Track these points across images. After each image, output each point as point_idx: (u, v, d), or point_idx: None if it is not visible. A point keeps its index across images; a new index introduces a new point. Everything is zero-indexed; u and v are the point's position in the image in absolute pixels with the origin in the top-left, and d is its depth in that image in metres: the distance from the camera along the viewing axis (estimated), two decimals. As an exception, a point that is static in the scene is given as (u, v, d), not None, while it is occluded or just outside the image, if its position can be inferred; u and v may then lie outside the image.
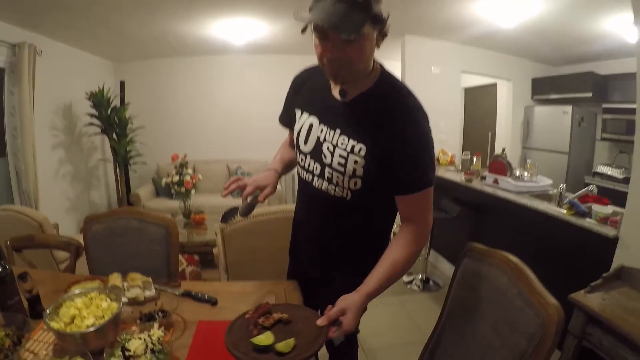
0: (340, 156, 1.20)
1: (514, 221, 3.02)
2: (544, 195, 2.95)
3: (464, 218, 3.52)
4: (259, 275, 1.60)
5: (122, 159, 5.55)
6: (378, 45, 1.13)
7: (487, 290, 1.25)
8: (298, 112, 1.36)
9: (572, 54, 5.13)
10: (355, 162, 1.18)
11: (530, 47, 4.87)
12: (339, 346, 1.14)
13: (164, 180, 4.19)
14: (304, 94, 1.37)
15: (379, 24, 1.06)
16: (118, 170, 5.65)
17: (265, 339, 1.05)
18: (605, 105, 4.93)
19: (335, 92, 1.23)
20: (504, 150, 3.63)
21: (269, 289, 1.59)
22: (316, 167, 1.29)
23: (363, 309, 1.16)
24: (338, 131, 1.21)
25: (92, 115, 5.18)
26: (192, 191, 4.11)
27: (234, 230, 2.32)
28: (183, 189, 4.03)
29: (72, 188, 5.19)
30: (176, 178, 4.02)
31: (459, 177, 3.71)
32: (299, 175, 1.42)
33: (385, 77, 1.22)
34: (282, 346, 1.02)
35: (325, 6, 0.98)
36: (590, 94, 4.96)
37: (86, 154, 5.59)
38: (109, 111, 5.25)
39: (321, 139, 1.25)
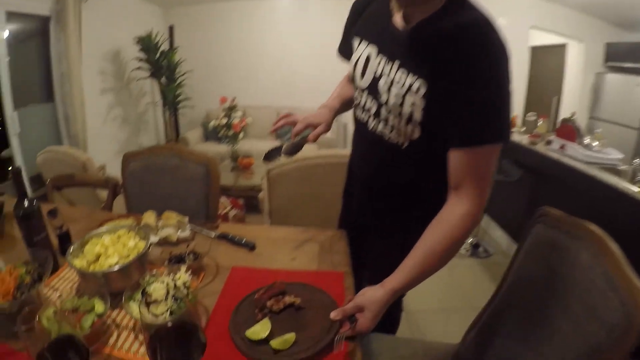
0: (397, 95, 1.01)
1: (580, 193, 2.69)
2: (613, 170, 2.60)
3: (523, 183, 3.22)
4: (304, 222, 1.45)
5: (170, 103, 5.55)
6: None
7: (563, 265, 1.00)
8: (356, 41, 1.17)
9: None
10: (413, 103, 0.98)
11: (605, 5, 4.36)
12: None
13: (212, 123, 4.09)
14: (364, 19, 1.18)
15: None
16: (167, 114, 5.67)
17: (260, 329, 0.91)
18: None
19: (398, 18, 1.03)
20: (574, 114, 3.23)
21: (313, 236, 1.44)
22: (373, 106, 1.11)
23: (386, 306, 0.96)
24: (397, 63, 1.01)
25: (140, 59, 5.15)
26: (241, 134, 3.99)
27: (280, 173, 2.19)
28: (231, 132, 3.92)
29: (122, 131, 5.23)
30: (224, 120, 3.90)
31: (521, 139, 3.39)
32: (354, 114, 1.26)
33: (455, 2, 0.96)
34: (277, 343, 0.88)
35: None
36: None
37: (135, 98, 5.59)
38: (158, 55, 5.20)
39: (378, 73, 1.06)
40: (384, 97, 1.05)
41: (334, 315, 0.94)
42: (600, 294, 0.86)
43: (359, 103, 1.18)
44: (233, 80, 6.25)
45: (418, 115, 0.99)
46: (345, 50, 1.26)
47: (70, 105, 4.02)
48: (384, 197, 1.25)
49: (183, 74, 5.61)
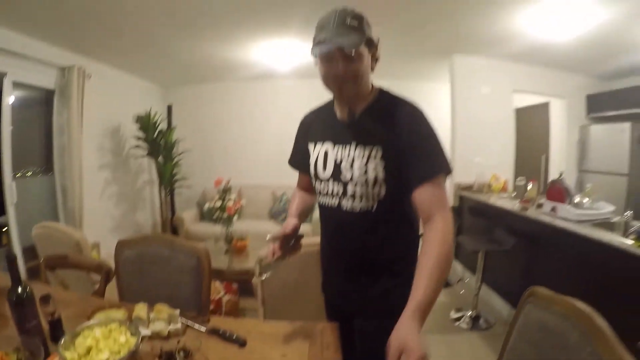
0: (360, 167, 1.28)
1: (575, 254, 2.73)
2: (606, 224, 2.67)
3: (518, 250, 3.26)
4: (298, 309, 1.48)
5: (167, 182, 5.64)
6: (372, 69, 1.29)
7: (552, 347, 1.03)
8: (311, 146, 1.45)
9: (627, 66, 4.77)
10: (375, 167, 1.26)
11: (586, 60, 4.56)
12: None
13: (206, 205, 4.13)
14: (314, 129, 1.49)
15: (372, 47, 1.25)
16: (163, 193, 5.74)
17: None
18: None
19: (343, 114, 1.36)
20: (561, 174, 3.33)
21: (304, 332, 1.43)
22: (339, 188, 1.35)
23: (420, 324, 1.04)
24: (354, 144, 1.31)
25: (139, 138, 5.31)
26: (235, 217, 4.02)
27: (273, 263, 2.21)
28: (225, 215, 3.95)
29: (117, 208, 5.26)
30: (219, 203, 3.95)
31: (513, 206, 3.47)
32: (321, 205, 1.47)
33: (385, 93, 1.36)
34: None
35: (329, 30, 1.19)
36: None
37: (133, 176, 5.68)
38: (156, 134, 5.37)
39: (338, 160, 1.34)
40: (348, 175, 1.31)
41: None
42: None
43: (326, 192, 1.40)
44: (229, 160, 6.42)
45: (381, 175, 1.26)
46: (297, 161, 1.59)
47: (68, 178, 4.09)
48: (360, 271, 1.39)
49: (180, 154, 5.76)
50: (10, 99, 3.57)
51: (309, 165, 1.46)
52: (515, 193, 3.81)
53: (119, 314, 1.44)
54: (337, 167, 1.34)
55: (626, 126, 4.64)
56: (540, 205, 3.19)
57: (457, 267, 4.80)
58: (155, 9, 3.17)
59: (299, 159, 1.55)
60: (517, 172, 4.96)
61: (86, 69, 4.18)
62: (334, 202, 1.38)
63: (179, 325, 1.39)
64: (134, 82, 5.65)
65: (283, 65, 4.86)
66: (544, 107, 5.73)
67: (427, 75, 5.91)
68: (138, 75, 5.62)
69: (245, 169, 6.34)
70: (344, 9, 1.21)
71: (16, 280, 1.26)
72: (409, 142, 1.22)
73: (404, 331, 1.00)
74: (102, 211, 4.88)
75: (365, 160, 1.27)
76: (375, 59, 1.29)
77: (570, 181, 5.04)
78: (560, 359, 1.01)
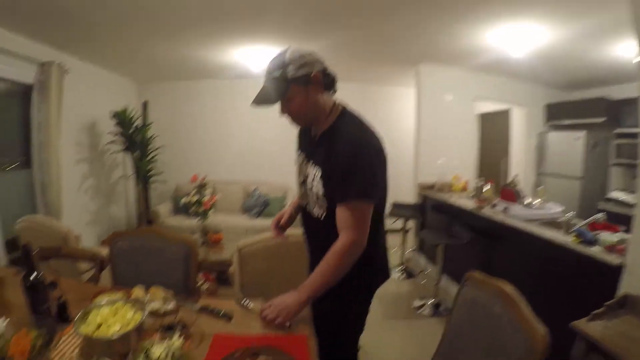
0: (312, 181, 1.54)
1: (523, 249, 3.05)
2: (554, 223, 2.95)
3: (475, 244, 3.55)
4: (275, 295, 1.69)
5: (142, 177, 5.76)
6: (323, 92, 1.50)
7: (482, 317, 1.33)
8: (297, 153, 1.73)
9: (583, 79, 5.19)
10: (318, 184, 1.50)
11: (541, 73, 4.92)
12: None
13: (183, 200, 4.31)
14: (301, 138, 1.76)
15: (308, 82, 1.43)
16: (139, 187, 5.86)
17: None
18: (618, 130, 4.97)
19: (313, 131, 1.61)
20: (514, 177, 3.67)
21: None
22: (305, 193, 1.63)
23: (299, 299, 1.46)
24: (312, 162, 1.56)
25: (115, 134, 5.41)
26: (211, 210, 4.23)
27: (250, 252, 2.43)
28: (201, 209, 4.15)
29: (94, 202, 5.37)
30: (195, 198, 4.14)
31: (470, 204, 3.76)
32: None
33: (342, 115, 1.53)
34: None
35: (260, 89, 1.46)
36: (603, 119, 4.99)
37: (108, 170, 5.78)
38: (132, 130, 5.48)
39: (306, 171, 1.60)
40: (309, 186, 1.57)
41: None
42: (509, 336, 1.18)
43: (301, 194, 1.70)
44: (203, 157, 6.57)
45: (321, 192, 1.50)
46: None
47: (47, 172, 4.15)
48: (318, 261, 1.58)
49: (156, 149, 5.86)
50: None
51: None
52: (473, 193, 4.08)
53: (119, 296, 1.64)
54: (305, 176, 1.61)
55: (581, 134, 5.10)
56: (494, 205, 3.50)
57: (420, 260, 5.11)
58: (132, 9, 3.25)
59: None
60: (480, 174, 5.32)
61: (64, 64, 4.24)
62: (304, 203, 1.68)
63: (173, 305, 1.61)
64: (110, 78, 5.73)
65: (256, 67, 5.03)
66: (505, 114, 6.14)
67: (395, 80, 6.19)
68: (115, 71, 5.70)
69: (218, 165, 6.51)
70: (271, 62, 1.46)
71: (30, 268, 1.44)
72: (336, 167, 1.42)
73: (284, 297, 1.50)
74: (79, 205, 4.99)
75: (313, 176, 1.53)
76: (325, 87, 1.50)
77: (528, 183, 5.50)
78: (486, 324, 1.29)
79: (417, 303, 3.85)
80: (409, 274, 4.71)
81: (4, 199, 3.88)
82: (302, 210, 1.75)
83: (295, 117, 1.52)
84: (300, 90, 1.44)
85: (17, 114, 4.22)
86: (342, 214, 1.43)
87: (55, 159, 4.21)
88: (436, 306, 3.73)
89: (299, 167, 1.69)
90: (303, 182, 1.64)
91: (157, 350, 1.11)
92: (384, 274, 1.70)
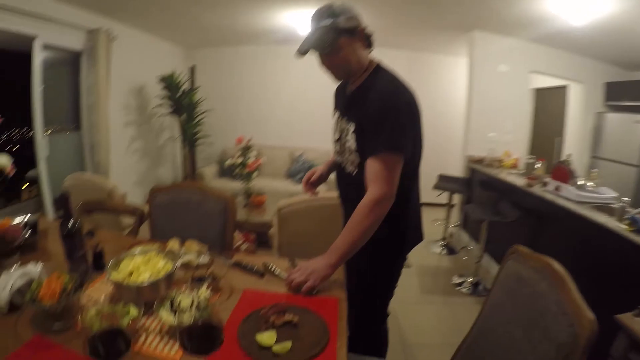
0: (346, 136, 1.53)
1: (571, 232, 2.86)
2: (606, 208, 2.72)
3: (520, 224, 3.37)
4: (310, 256, 1.65)
5: (189, 139, 5.86)
6: (366, 46, 1.51)
7: (525, 294, 1.19)
8: (334, 111, 1.73)
9: None
10: (351, 138, 1.50)
11: (602, 47, 4.52)
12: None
13: (228, 161, 4.33)
14: (337, 98, 1.76)
15: (354, 34, 1.44)
16: (185, 150, 5.98)
17: (268, 338, 1.12)
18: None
19: (348, 89, 1.60)
20: (568, 156, 3.42)
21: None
22: (340, 150, 1.63)
23: (329, 262, 1.42)
24: (345, 117, 1.56)
25: (163, 97, 5.50)
26: (255, 173, 4.23)
27: (290, 212, 2.40)
28: (245, 171, 4.16)
29: (141, 163, 5.52)
30: (240, 159, 4.15)
31: (520, 181, 3.57)
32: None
33: (376, 71, 1.51)
34: (278, 348, 1.09)
35: (306, 37, 1.45)
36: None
37: (156, 133, 5.91)
38: (179, 94, 5.54)
39: (341, 127, 1.60)
40: (343, 141, 1.58)
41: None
42: (553, 318, 1.04)
43: (336, 151, 1.69)
44: (249, 121, 6.57)
45: (354, 146, 1.50)
46: None
47: (96, 134, 4.31)
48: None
49: (202, 113, 5.93)
50: (40, 60, 3.74)
51: None
52: (524, 170, 3.88)
53: (154, 247, 1.64)
54: (340, 132, 1.61)
55: (641, 117, 4.60)
56: (545, 184, 3.29)
57: (463, 236, 4.95)
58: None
59: None
60: (531, 152, 5.00)
61: (112, 31, 4.32)
62: (338, 160, 1.68)
63: (207, 258, 1.58)
64: (158, 44, 5.80)
65: (303, 30, 4.90)
66: (562, 90, 5.68)
67: (445, 48, 5.90)
68: (162, 37, 5.75)
69: (264, 130, 6.49)
70: (318, 11, 1.45)
71: (68, 215, 1.46)
72: (367, 120, 1.42)
73: (313, 260, 1.45)
74: (126, 165, 5.13)
75: (347, 132, 1.53)
76: (363, 39, 1.48)
77: (581, 166, 5.07)
78: (529, 302, 1.16)
79: (456, 280, 3.75)
80: (451, 250, 4.58)
81: (55, 159, 4.03)
82: (337, 168, 1.72)
83: (337, 70, 1.50)
84: (348, 42, 1.43)
85: (68, 80, 4.37)
86: (370, 167, 1.41)
87: (104, 121, 4.35)
88: (475, 285, 3.61)
89: (335, 124, 1.68)
90: (338, 140, 1.64)
91: (183, 299, 1.08)
92: (417, 235, 1.69)
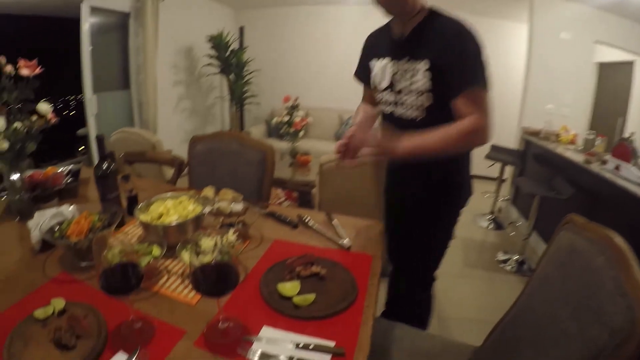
0: (412, 77, 1.41)
1: (629, 214, 2.60)
2: None
3: (574, 202, 3.12)
4: (349, 214, 1.57)
5: (237, 99, 5.86)
6: None
7: (578, 269, 1.00)
8: (373, 62, 1.60)
9: None
10: (424, 77, 1.37)
11: None
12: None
13: (274, 120, 4.30)
14: (375, 46, 1.62)
15: None
16: (234, 109, 5.99)
17: (290, 289, 1.05)
18: None
19: (397, 31, 1.48)
20: (632, 134, 3.11)
21: (352, 222, 1.54)
22: (393, 97, 1.52)
23: (403, 144, 1.33)
24: (406, 58, 1.43)
25: (211, 57, 5.47)
26: (301, 133, 4.18)
27: (331, 168, 2.32)
28: (292, 130, 4.11)
29: (189, 122, 5.58)
30: (286, 118, 4.10)
31: (577, 157, 3.30)
32: (382, 114, 1.65)
33: (435, 12, 1.41)
34: (299, 299, 1.02)
35: None
36: None
37: (204, 92, 5.93)
38: (228, 53, 5.51)
39: (394, 72, 1.48)
40: (400, 86, 1.46)
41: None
42: (608, 298, 0.87)
43: (384, 101, 1.57)
44: (298, 82, 6.46)
45: (427, 86, 1.37)
46: (361, 73, 1.73)
47: (144, 93, 4.38)
48: (410, 173, 1.58)
49: (251, 73, 5.90)
50: (88, 23, 3.79)
51: (369, 78, 1.62)
52: (582, 147, 3.60)
53: (189, 193, 1.61)
54: (393, 78, 1.49)
55: None
56: (604, 162, 3.02)
57: (512, 212, 4.69)
58: None
59: (362, 71, 1.70)
60: (591, 129, 4.63)
61: (159, -9, 4.31)
62: (389, 109, 1.56)
63: (240, 206, 1.53)
64: (206, 4, 5.76)
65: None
66: (628, 66, 5.15)
67: (504, 12, 5.50)
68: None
69: (312, 91, 6.36)
70: None
71: (103, 157, 1.44)
72: (452, 57, 1.30)
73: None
74: (174, 124, 5.21)
75: (414, 72, 1.40)
76: None
77: None
78: (581, 277, 1.00)
79: (501, 257, 3.55)
80: (498, 224, 4.35)
81: (105, 116, 4.14)
82: (384, 117, 1.61)
83: (392, 4, 1.37)
84: None
85: (117, 41, 4.42)
86: (464, 103, 1.31)
87: (152, 80, 4.40)
88: (520, 263, 3.41)
89: (380, 73, 1.55)
90: (388, 87, 1.52)
91: (207, 241, 1.03)
92: (469, 187, 1.61)
